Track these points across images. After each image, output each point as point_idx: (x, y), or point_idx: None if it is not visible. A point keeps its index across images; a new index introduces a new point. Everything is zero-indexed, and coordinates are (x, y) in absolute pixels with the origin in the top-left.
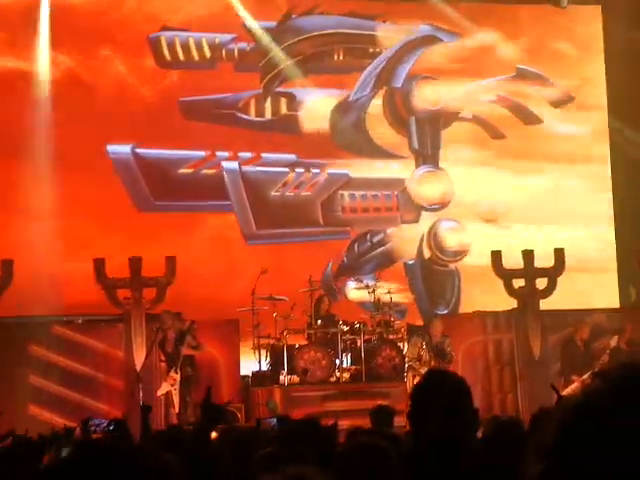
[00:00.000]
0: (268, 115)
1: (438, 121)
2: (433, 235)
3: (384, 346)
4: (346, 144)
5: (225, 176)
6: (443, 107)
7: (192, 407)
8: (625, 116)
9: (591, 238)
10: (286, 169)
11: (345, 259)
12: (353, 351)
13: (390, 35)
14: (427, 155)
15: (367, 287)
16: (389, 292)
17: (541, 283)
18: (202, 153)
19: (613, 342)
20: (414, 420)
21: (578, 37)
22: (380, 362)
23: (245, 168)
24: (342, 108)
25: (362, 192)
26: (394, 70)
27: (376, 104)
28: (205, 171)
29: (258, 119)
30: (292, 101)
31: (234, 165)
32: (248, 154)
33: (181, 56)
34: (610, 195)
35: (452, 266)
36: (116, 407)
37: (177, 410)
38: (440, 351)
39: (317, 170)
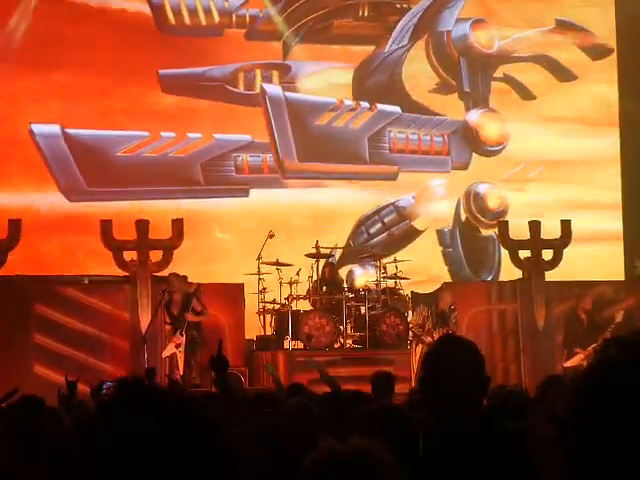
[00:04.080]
0: (257, 89)
1: (489, 65)
2: (473, 197)
3: (388, 313)
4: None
5: (267, 101)
6: (493, 52)
7: (197, 369)
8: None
9: (599, 209)
10: (334, 99)
11: (351, 243)
12: (357, 318)
13: None
14: (478, 98)
15: (373, 258)
16: (395, 261)
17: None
18: (146, 133)
19: (618, 317)
20: (425, 384)
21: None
22: (384, 329)
23: (289, 94)
24: (369, 66)
25: (412, 131)
26: (438, 15)
27: (415, 55)
28: (147, 154)
29: (248, 92)
30: (285, 73)
31: (277, 90)
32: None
33: (187, 20)
34: (619, 165)
35: (490, 232)
36: (121, 368)
37: (182, 372)
38: (443, 320)
39: (366, 104)
